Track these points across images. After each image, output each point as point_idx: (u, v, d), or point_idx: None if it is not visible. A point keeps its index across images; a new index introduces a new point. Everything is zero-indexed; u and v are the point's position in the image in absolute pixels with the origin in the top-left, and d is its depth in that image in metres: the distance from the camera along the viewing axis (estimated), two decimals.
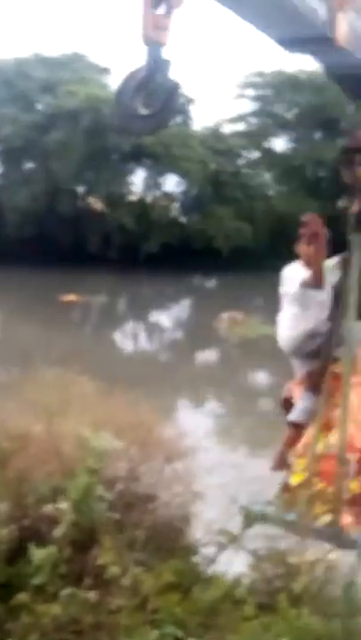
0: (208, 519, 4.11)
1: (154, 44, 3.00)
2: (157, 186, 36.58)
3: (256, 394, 14.15)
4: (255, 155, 39.44)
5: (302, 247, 4.98)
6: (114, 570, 2.87)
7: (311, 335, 4.85)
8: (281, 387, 14.19)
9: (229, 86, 43.59)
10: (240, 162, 38.30)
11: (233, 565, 4.10)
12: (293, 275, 4.94)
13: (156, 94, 3.11)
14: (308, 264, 4.81)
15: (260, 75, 38.66)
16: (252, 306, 24.36)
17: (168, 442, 4.53)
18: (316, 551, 4.46)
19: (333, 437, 4.25)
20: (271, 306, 22.25)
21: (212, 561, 3.94)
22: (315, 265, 4.65)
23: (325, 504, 4.11)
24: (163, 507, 3.93)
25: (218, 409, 12.73)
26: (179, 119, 34.03)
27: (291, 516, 4.18)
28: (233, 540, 4.11)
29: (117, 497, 3.53)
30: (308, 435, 4.36)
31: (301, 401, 4.78)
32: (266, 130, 39.38)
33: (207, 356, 17.92)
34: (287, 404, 4.72)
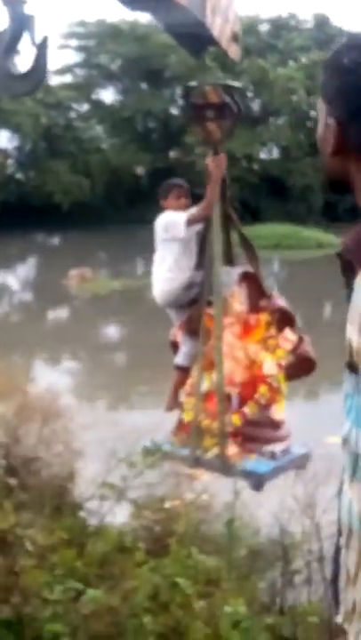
0: (90, 474, 4.21)
1: (14, 3, 2.94)
2: None
3: (110, 348, 14.29)
4: (85, 107, 38.98)
5: (170, 202, 4.98)
6: (17, 532, 2.91)
7: (188, 286, 4.90)
8: (134, 341, 14.40)
9: (54, 36, 42.52)
10: (71, 115, 37.74)
11: (118, 516, 4.25)
12: (173, 218, 4.88)
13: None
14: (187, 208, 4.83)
15: (83, 24, 37.99)
16: (98, 261, 24.36)
17: (43, 403, 4.56)
18: (191, 494, 4.70)
19: (214, 375, 4.44)
20: (116, 261, 22.53)
21: (98, 514, 4.05)
22: (211, 191, 4.64)
23: (213, 438, 4.32)
24: (46, 467, 3.98)
25: (74, 366, 12.75)
26: None
27: (184, 451, 4.37)
28: (116, 491, 4.25)
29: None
30: (194, 375, 4.53)
31: (183, 346, 4.91)
32: (93, 81, 38.96)
33: (59, 314, 17.81)
34: (174, 348, 4.85)
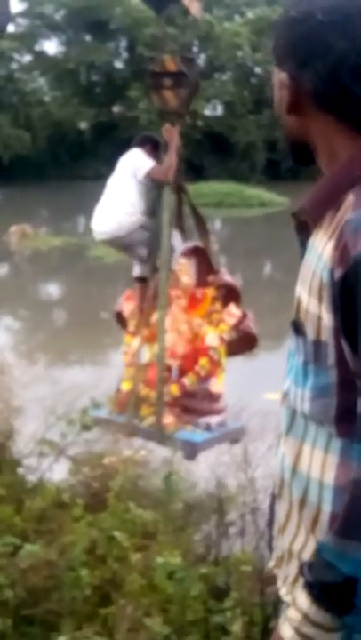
0: (29, 432, 4.22)
1: None
2: None
3: (50, 306, 14.19)
4: (28, 58, 38.05)
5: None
6: None
7: (143, 226, 4.96)
8: (74, 298, 14.30)
9: None
10: (13, 66, 36.80)
11: (56, 472, 4.28)
12: (140, 160, 4.92)
13: None
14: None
15: None
16: (39, 217, 24.02)
17: None
18: (128, 450, 4.77)
19: (156, 347, 4.49)
20: (57, 217, 22.21)
21: (37, 471, 4.08)
22: (169, 158, 4.67)
23: (150, 407, 4.38)
24: None
25: (13, 323, 12.64)
26: None
27: (121, 419, 4.42)
28: (55, 448, 4.28)
29: None
30: (134, 345, 4.57)
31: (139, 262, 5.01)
32: (36, 32, 37.98)
33: None
34: (120, 318, 4.85)
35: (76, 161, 35.60)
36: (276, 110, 1.40)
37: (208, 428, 4.38)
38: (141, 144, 5.12)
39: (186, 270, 4.66)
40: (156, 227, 4.68)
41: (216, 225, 24.10)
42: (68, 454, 4.41)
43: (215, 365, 4.45)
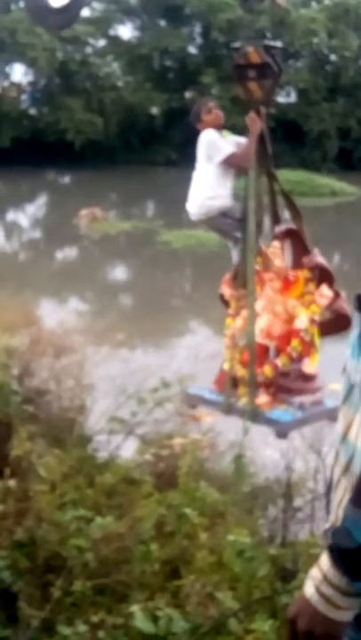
0: (101, 409, 4.31)
1: None
2: (5, 75, 34.91)
3: (119, 289, 14.33)
4: (102, 43, 38.23)
5: (206, 121, 5.21)
6: (31, 459, 3.01)
7: (224, 212, 5.14)
8: (141, 282, 14.42)
9: None
10: (87, 50, 37.03)
11: (125, 450, 4.36)
12: (214, 141, 5.12)
13: None
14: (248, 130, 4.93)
15: None
16: (109, 201, 24.23)
17: (54, 338, 4.63)
18: (197, 433, 4.83)
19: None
20: (127, 202, 22.35)
21: (107, 447, 4.16)
22: (248, 146, 4.81)
23: (246, 387, 4.50)
24: (57, 400, 4.08)
25: (83, 305, 12.82)
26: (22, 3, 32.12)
27: (220, 397, 4.57)
28: (124, 426, 4.36)
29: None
30: (233, 328, 4.67)
31: (233, 249, 5.19)
32: (110, 16, 38.08)
33: (68, 253, 17.82)
34: (223, 301, 4.99)
35: (146, 146, 35.69)
36: None
37: (302, 407, 4.46)
38: (198, 118, 5.27)
39: (278, 253, 4.71)
40: (243, 213, 4.75)
41: (285, 214, 23.89)
42: (138, 433, 4.49)
43: (308, 346, 4.51)
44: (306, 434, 3.70)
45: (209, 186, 5.13)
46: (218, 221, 5.22)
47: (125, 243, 18.00)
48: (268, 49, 4.50)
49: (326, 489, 1.62)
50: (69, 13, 3.17)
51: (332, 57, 37.86)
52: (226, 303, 4.91)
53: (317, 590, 1.32)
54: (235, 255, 5.30)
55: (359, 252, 15.46)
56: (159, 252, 16.34)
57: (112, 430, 4.35)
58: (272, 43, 4.56)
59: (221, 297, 4.93)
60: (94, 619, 2.48)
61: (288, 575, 2.87)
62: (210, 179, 5.14)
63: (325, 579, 1.31)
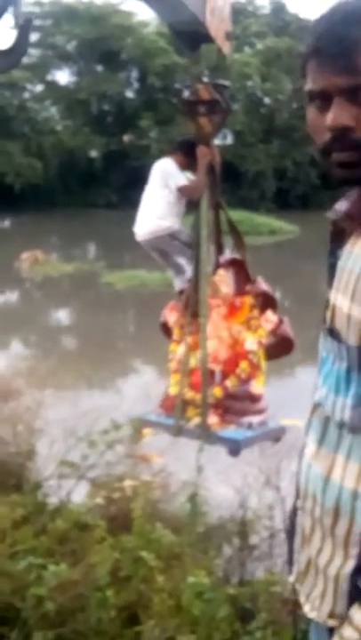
0: (50, 453, 4.22)
1: None
2: None
3: (63, 331, 14.22)
4: (39, 88, 38.47)
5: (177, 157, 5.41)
6: None
7: (172, 235, 5.35)
8: (85, 324, 14.29)
9: (7, 16, 41.66)
10: (25, 95, 37.21)
11: (77, 494, 4.28)
12: (172, 171, 5.36)
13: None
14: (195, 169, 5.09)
15: (38, 4, 37.42)
16: (50, 244, 24.14)
17: (1, 383, 4.54)
18: (148, 474, 4.78)
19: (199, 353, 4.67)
20: (67, 243, 22.28)
21: (58, 492, 4.08)
22: (198, 177, 4.98)
23: (195, 409, 4.54)
24: (4, 445, 3.98)
25: (27, 349, 12.66)
26: None
27: (169, 421, 4.58)
28: (75, 469, 4.28)
29: None
30: (181, 353, 4.71)
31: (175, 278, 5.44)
32: (48, 62, 38.44)
33: (10, 297, 17.63)
34: (165, 329, 5.04)
35: (86, 189, 35.83)
36: (337, 123, 1.29)
37: (250, 426, 4.54)
38: (172, 152, 5.51)
39: (225, 281, 4.82)
40: (192, 240, 4.87)
41: (227, 253, 24.15)
42: (89, 476, 4.41)
43: (255, 368, 4.62)
44: (262, 468, 3.68)
45: (158, 208, 5.35)
46: (164, 243, 5.39)
47: (68, 285, 17.93)
48: (216, 87, 4.63)
49: (287, 536, 1.56)
50: (13, 57, 3.17)
51: (267, 100, 38.80)
52: (168, 330, 4.97)
53: None
54: (178, 283, 5.47)
55: (301, 289, 15.69)
56: (102, 293, 16.31)
57: (62, 474, 4.27)
58: (220, 81, 4.70)
59: (164, 325, 4.99)
60: None
61: (247, 615, 2.82)
62: (161, 201, 5.36)
63: None
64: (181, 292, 5.14)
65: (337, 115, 1.27)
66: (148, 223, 5.43)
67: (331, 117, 1.28)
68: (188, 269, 5.10)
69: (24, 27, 3.16)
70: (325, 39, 1.26)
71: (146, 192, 5.53)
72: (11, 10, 3.07)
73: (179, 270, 5.41)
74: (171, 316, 4.93)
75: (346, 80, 1.25)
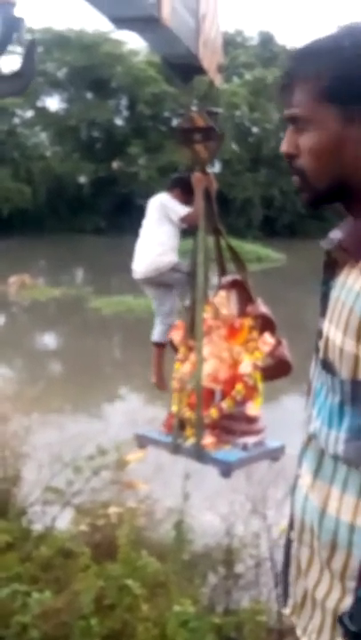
0: (36, 478, 4.20)
1: (4, 4, 2.97)
2: None
3: (49, 356, 14.17)
4: (30, 114, 38.68)
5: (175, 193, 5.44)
6: None
7: (173, 268, 5.34)
8: (72, 348, 14.23)
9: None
10: (15, 121, 37.40)
11: (61, 520, 4.25)
12: (172, 204, 5.36)
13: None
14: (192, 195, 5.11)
15: (30, 31, 37.68)
16: (38, 268, 24.14)
17: None
18: (134, 501, 4.76)
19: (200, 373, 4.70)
20: (56, 269, 22.23)
21: (42, 518, 4.05)
22: (196, 202, 5.00)
23: (193, 428, 4.55)
24: None
25: (14, 372, 12.60)
26: None
27: (168, 439, 4.60)
28: (60, 496, 4.25)
29: None
30: (181, 372, 4.74)
31: (158, 325, 5.49)
32: (38, 88, 38.66)
33: None
34: (172, 345, 5.11)
35: (75, 215, 35.93)
36: (313, 150, 1.33)
37: (245, 447, 4.54)
38: (170, 188, 5.47)
39: (225, 302, 4.87)
40: (190, 267, 4.91)
41: (213, 280, 24.25)
42: (74, 503, 4.38)
43: (251, 390, 4.65)
44: (248, 495, 3.68)
45: (160, 243, 5.34)
46: (167, 276, 5.40)
47: (55, 309, 17.90)
48: (210, 114, 4.70)
49: (282, 569, 1.53)
50: (20, 81, 3.21)
51: (254, 129, 39.17)
52: (175, 348, 5.02)
53: None
54: (159, 329, 5.54)
55: (287, 316, 15.73)
56: (89, 318, 16.29)
57: (47, 501, 4.24)
58: (214, 109, 4.77)
59: (171, 342, 5.07)
60: None
61: None
62: (163, 236, 5.36)
63: None
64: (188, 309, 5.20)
65: (284, 142, 1.38)
66: (152, 260, 5.41)
67: (281, 145, 1.39)
68: (174, 319, 5.29)
69: (29, 50, 3.20)
70: (283, 72, 1.37)
71: (144, 228, 5.52)
72: (15, 36, 3.10)
73: (166, 316, 5.48)
74: (176, 334, 5.01)
75: (287, 111, 1.36)
